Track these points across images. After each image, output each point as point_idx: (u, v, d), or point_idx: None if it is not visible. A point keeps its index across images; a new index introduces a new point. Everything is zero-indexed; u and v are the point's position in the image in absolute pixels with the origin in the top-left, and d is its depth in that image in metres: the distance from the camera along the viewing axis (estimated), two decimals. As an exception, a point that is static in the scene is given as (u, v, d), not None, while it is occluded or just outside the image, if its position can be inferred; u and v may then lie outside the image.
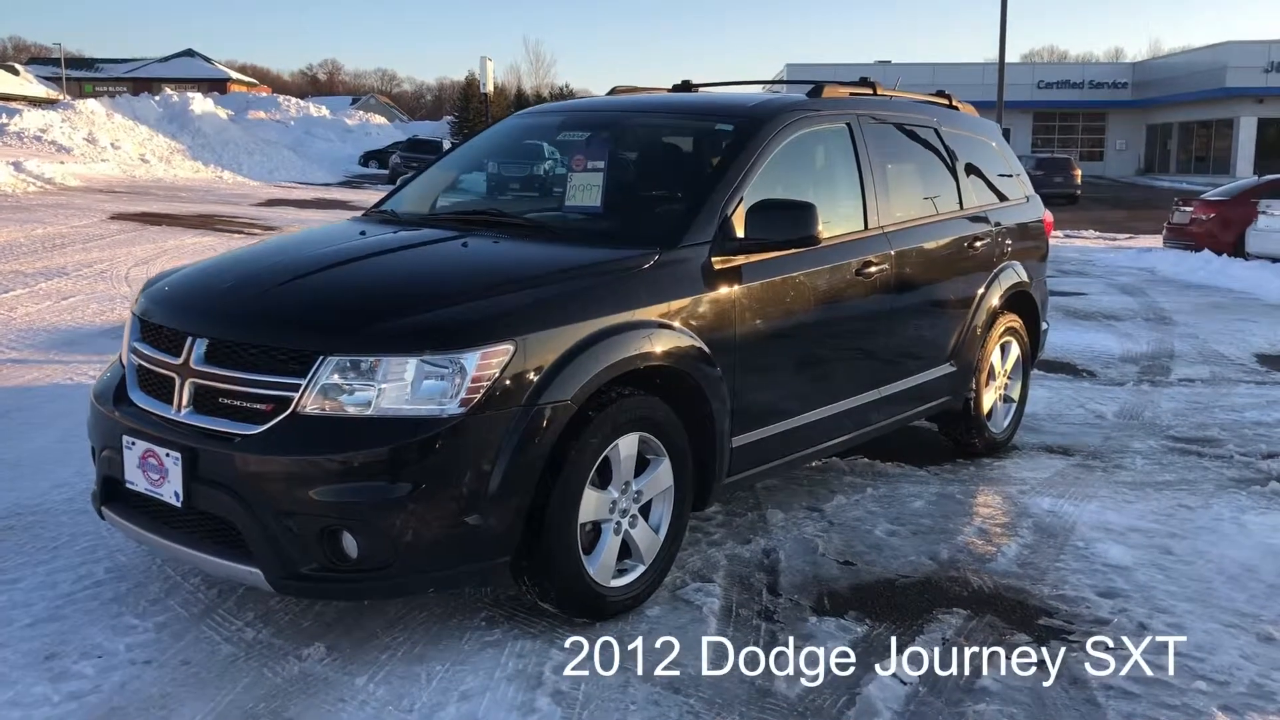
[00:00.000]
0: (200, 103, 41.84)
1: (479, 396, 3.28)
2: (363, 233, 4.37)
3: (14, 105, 37.09)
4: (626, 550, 3.83)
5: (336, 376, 3.28)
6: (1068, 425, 6.71)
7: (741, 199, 4.20)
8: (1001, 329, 5.89)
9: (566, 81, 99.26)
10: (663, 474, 3.89)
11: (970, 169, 5.81)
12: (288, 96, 70.06)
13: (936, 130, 5.62)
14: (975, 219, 5.69)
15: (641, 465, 3.85)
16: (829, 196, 4.90)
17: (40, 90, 58.61)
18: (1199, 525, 4.88)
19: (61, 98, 49.08)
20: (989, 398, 5.93)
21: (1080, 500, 5.19)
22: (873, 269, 4.77)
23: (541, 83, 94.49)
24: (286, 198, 27.69)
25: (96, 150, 32.09)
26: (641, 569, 3.87)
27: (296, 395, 3.28)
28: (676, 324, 3.83)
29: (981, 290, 5.69)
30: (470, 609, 3.83)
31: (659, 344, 3.74)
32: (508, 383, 3.33)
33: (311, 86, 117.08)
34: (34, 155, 27.68)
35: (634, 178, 4.83)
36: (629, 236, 4.16)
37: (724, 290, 4.03)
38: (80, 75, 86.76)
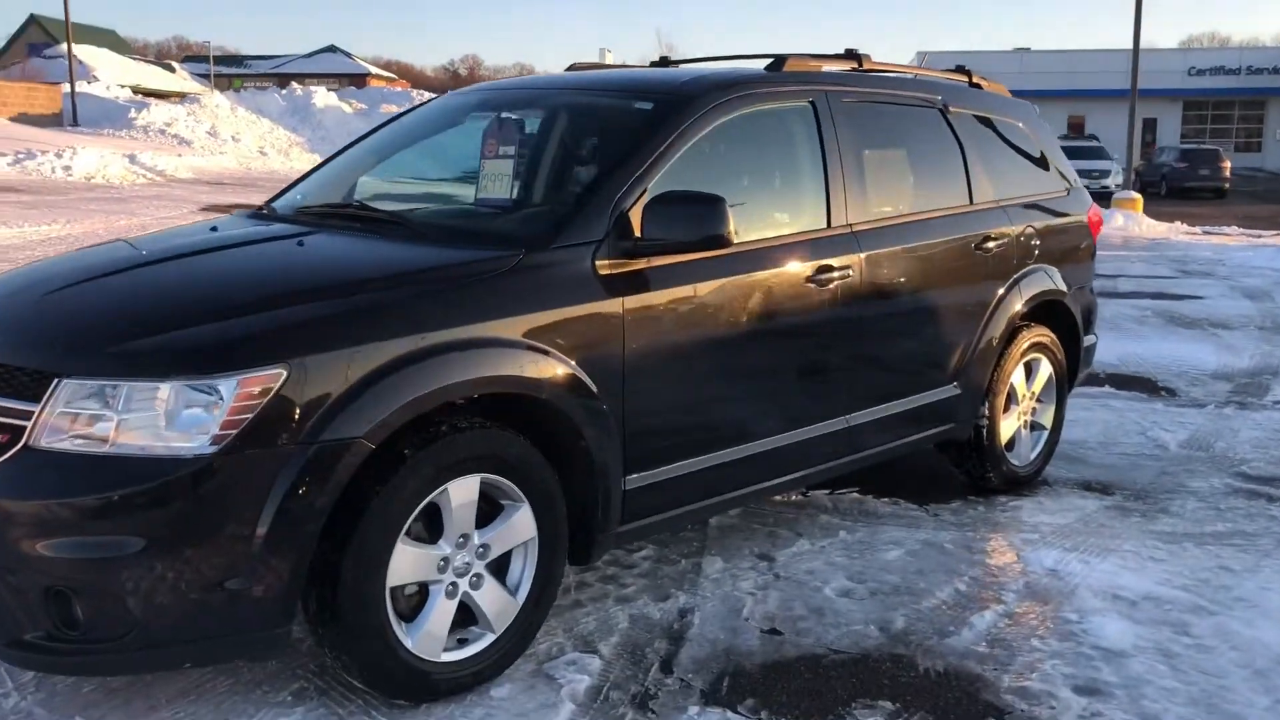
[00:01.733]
0: (322, 96, 42.52)
1: (237, 432, 2.66)
2: (214, 229, 3.81)
3: (153, 100, 38.24)
4: (472, 616, 3.18)
5: (74, 404, 2.70)
6: (1118, 456, 5.75)
7: (645, 191, 3.49)
8: (1026, 344, 5.00)
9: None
10: (520, 523, 3.21)
11: (986, 156, 4.94)
12: (421, 90, 71.08)
13: (942, 111, 4.77)
14: (989, 215, 4.82)
15: (495, 511, 3.18)
16: (777, 189, 4.15)
17: (192, 86, 60.74)
18: (1236, 596, 3.96)
19: (209, 93, 50.63)
20: (1009, 425, 5.06)
21: (1096, 555, 4.30)
22: (833, 275, 3.98)
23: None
24: (392, 190, 27.73)
25: (217, 143, 32.80)
26: (490, 638, 3.20)
27: (29, 425, 2.72)
28: (539, 342, 3.15)
29: (997, 299, 4.82)
30: (287, 677, 3.22)
31: (506, 367, 3.07)
32: (277, 415, 2.70)
33: (452, 81, 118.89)
34: (154, 148, 28.37)
35: (545, 166, 4.14)
36: (497, 235, 3.49)
37: (614, 300, 3.32)
38: (230, 71, 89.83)
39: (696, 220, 3.36)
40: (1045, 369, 5.21)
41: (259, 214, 3.99)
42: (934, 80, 4.93)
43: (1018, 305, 4.90)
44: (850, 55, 4.61)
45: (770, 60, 4.26)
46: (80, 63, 46.78)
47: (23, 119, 30.99)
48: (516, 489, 3.17)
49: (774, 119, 4.11)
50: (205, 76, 78.19)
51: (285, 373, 2.71)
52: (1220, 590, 4.00)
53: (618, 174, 3.51)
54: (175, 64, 78.62)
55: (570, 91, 4.35)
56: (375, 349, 2.84)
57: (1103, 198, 25.51)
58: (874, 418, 4.32)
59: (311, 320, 2.85)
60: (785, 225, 3.99)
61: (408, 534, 2.97)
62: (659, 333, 3.46)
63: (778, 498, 4.87)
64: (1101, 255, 16.89)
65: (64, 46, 52.48)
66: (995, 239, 4.79)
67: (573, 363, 3.21)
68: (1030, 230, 5.01)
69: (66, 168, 21.51)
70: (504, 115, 4.17)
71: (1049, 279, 5.13)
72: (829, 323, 4.03)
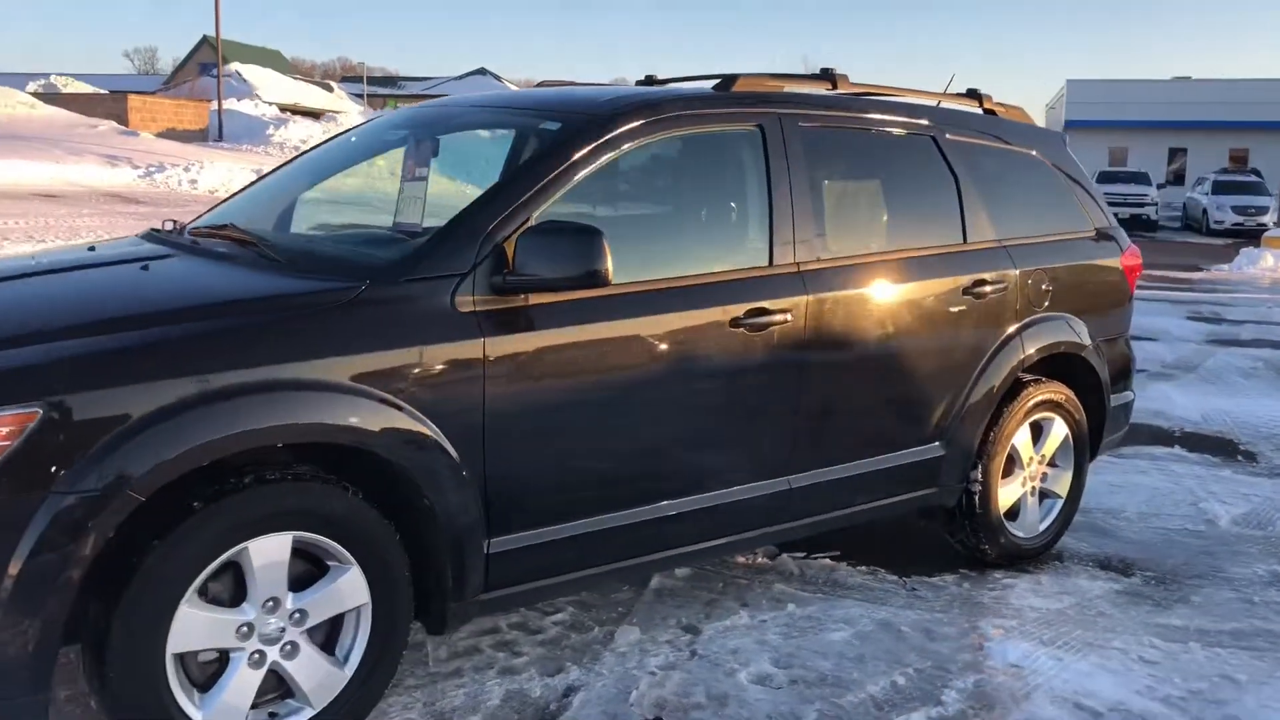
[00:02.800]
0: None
1: None
2: (92, 248, 3.60)
3: (295, 118, 39.51)
4: (289, 688, 2.85)
5: None
6: (1156, 530, 5.10)
7: (529, 221, 3.12)
8: (1032, 402, 4.44)
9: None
10: (348, 588, 2.88)
11: (989, 191, 4.41)
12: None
13: (934, 140, 4.26)
14: (986, 256, 4.29)
15: (321, 572, 2.86)
16: (704, 222, 3.73)
17: (347, 105, 62.82)
18: (1229, 714, 3.35)
19: (346, 112, 52.22)
20: (1009, 491, 4.50)
21: (1075, 651, 3.73)
22: (770, 318, 3.54)
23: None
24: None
25: (349, 160, 33.60)
26: (308, 713, 2.87)
27: None
28: (372, 386, 2.81)
29: (993, 349, 4.28)
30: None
31: (320, 414, 2.74)
32: (28, 458, 2.43)
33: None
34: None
35: (456, 189, 3.82)
36: (350, 265, 3.16)
37: (474, 342, 2.97)
38: (385, 92, 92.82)
39: (567, 254, 2.98)
40: (1059, 430, 4.63)
41: (152, 233, 3.77)
42: (927, 106, 4.43)
43: (1018, 357, 4.35)
44: (824, 76, 4.15)
45: (718, 79, 3.85)
46: (244, 81, 48.83)
47: (170, 134, 32.31)
48: (343, 550, 2.84)
49: (709, 144, 3.71)
50: (361, 96, 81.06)
51: (40, 412, 2.44)
52: (1210, 706, 3.40)
53: (497, 200, 3.16)
54: (334, 84, 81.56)
55: (488, 111, 4.02)
56: (156, 388, 2.55)
57: (1256, 236, 23.92)
58: (826, 479, 3.84)
59: (84, 355, 2.57)
60: (710, 263, 3.57)
61: (202, 594, 2.67)
62: (533, 380, 3.09)
63: (740, 559, 4.42)
64: (1242, 298, 15.76)
65: (231, 66, 54.90)
66: (992, 283, 4.25)
67: (415, 411, 2.87)
68: (1041, 274, 4.45)
69: (193, 181, 22.23)
70: (420, 137, 3.87)
71: (1066, 329, 4.56)
72: (761, 372, 3.59)
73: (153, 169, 22.68)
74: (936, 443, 4.19)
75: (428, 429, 2.88)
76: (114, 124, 29.60)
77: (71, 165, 21.20)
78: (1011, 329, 4.34)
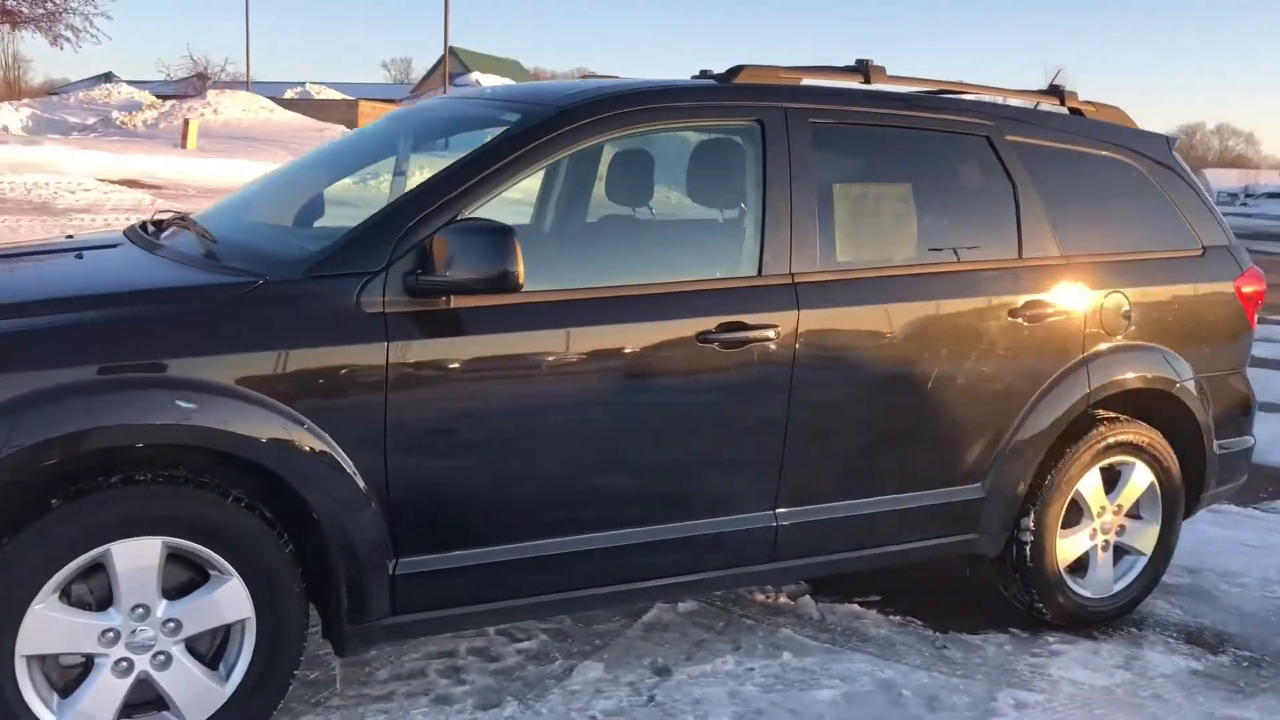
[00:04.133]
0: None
1: None
2: (69, 236, 3.61)
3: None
4: (162, 701, 2.72)
5: None
6: (1276, 602, 4.38)
7: (455, 218, 2.89)
8: (1104, 443, 3.87)
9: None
10: (227, 599, 2.72)
11: (1057, 200, 3.86)
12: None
13: (990, 141, 3.76)
14: (1044, 274, 3.75)
15: (202, 580, 2.72)
16: (681, 225, 3.41)
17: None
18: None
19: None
20: (1072, 544, 3.94)
21: (1099, 740, 3.19)
22: (748, 335, 3.18)
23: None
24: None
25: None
26: (182, 728, 2.73)
27: None
28: (256, 388, 2.65)
29: (1050, 381, 3.74)
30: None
31: (187, 414, 2.58)
32: None
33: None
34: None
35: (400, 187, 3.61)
36: (262, 258, 2.99)
37: (377, 345, 2.76)
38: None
39: (476, 255, 2.74)
40: (1141, 478, 4.02)
41: (136, 225, 3.74)
42: (987, 103, 3.92)
43: (1085, 392, 3.79)
44: (857, 68, 3.73)
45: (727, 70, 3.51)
46: (480, 87, 50.88)
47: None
48: (221, 559, 2.69)
49: (699, 140, 3.37)
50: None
51: None
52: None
53: (425, 195, 2.94)
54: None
55: (473, 105, 3.80)
56: (9, 379, 2.46)
57: None
58: (824, 518, 3.44)
59: None
60: (683, 270, 3.24)
61: (65, 595, 2.57)
62: (446, 392, 2.85)
63: (760, 595, 4.05)
64: None
65: (471, 75, 57.22)
66: (1051, 305, 3.72)
67: (303, 418, 2.68)
68: (1120, 297, 3.87)
69: (400, 182, 23.12)
70: (406, 135, 3.71)
71: (1150, 361, 3.95)
72: (737, 395, 3.23)
73: (368, 175, 23.68)
74: (976, 484, 3.70)
75: (316, 438, 2.69)
76: (342, 127, 31.20)
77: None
78: (1076, 359, 3.79)
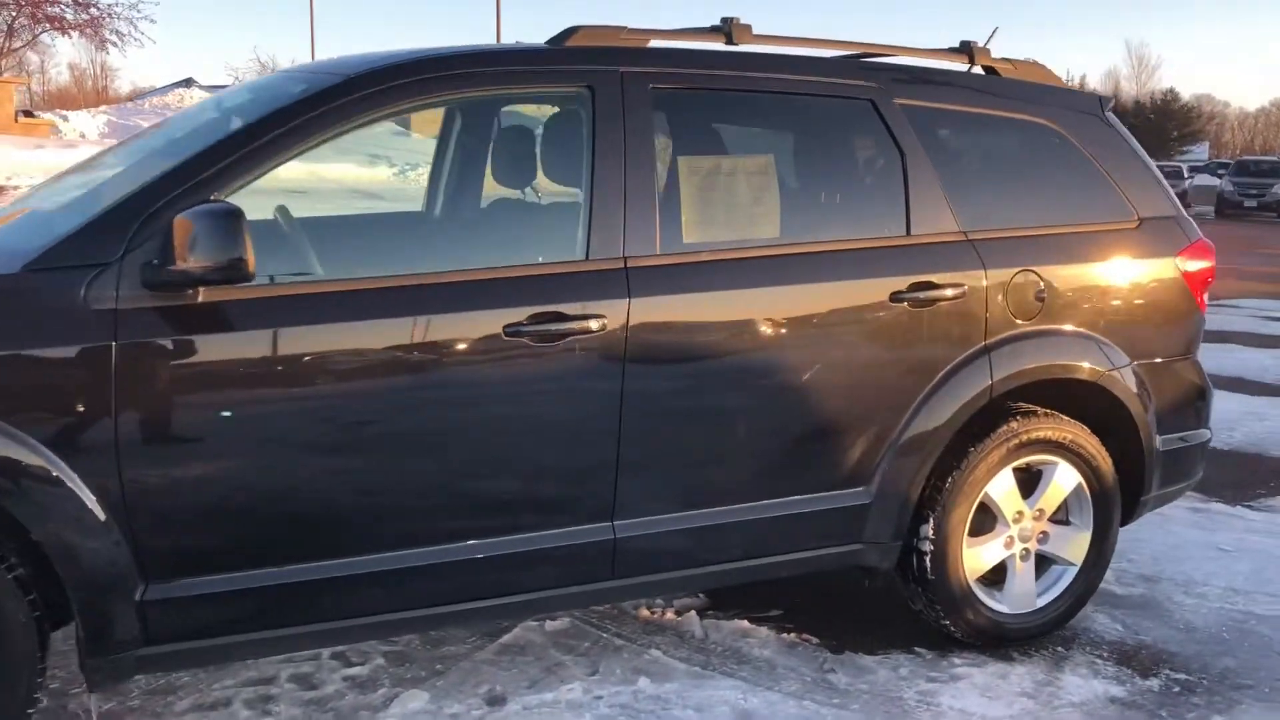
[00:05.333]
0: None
1: None
2: None
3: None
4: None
5: None
6: (1233, 616, 3.90)
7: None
8: (1018, 440, 3.45)
9: (1170, 85, 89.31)
10: (-50, 627, 2.45)
11: (955, 170, 3.45)
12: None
13: (874, 104, 3.36)
14: (936, 253, 3.34)
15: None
16: (486, 205, 3.07)
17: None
18: None
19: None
20: (983, 553, 3.52)
21: (967, 784, 2.79)
22: (567, 326, 2.83)
23: (1143, 89, 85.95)
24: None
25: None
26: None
27: None
28: None
29: (946, 372, 3.34)
30: None
31: None
32: None
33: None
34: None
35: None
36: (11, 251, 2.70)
37: (104, 345, 2.46)
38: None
39: (203, 241, 2.42)
40: (1066, 478, 3.58)
41: None
42: (871, 62, 3.51)
43: (987, 383, 3.37)
44: (720, 29, 3.34)
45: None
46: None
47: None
48: (-79, 583, 2.42)
49: (518, 110, 3.02)
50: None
51: None
52: None
53: (175, 175, 2.63)
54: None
55: (275, 78, 3.48)
56: None
57: None
58: (672, 529, 3.08)
59: None
60: (491, 256, 2.91)
61: None
62: (192, 399, 2.56)
63: (645, 611, 3.70)
64: None
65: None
66: (945, 286, 3.30)
67: (15, 429, 2.40)
68: (1031, 277, 3.44)
69: (441, 177, 23.01)
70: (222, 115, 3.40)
71: (1068, 348, 3.52)
72: (554, 394, 2.89)
73: (407, 167, 23.65)
74: (859, 488, 3.31)
75: (31, 452, 2.41)
76: (393, 125, 31.25)
77: (333, 163, 22.41)
78: (976, 347, 3.37)
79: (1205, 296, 3.83)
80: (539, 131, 3.20)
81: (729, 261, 3.10)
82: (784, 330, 3.14)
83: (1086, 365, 3.53)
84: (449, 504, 2.85)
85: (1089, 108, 3.77)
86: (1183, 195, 35.23)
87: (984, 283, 3.37)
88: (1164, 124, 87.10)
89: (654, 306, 2.95)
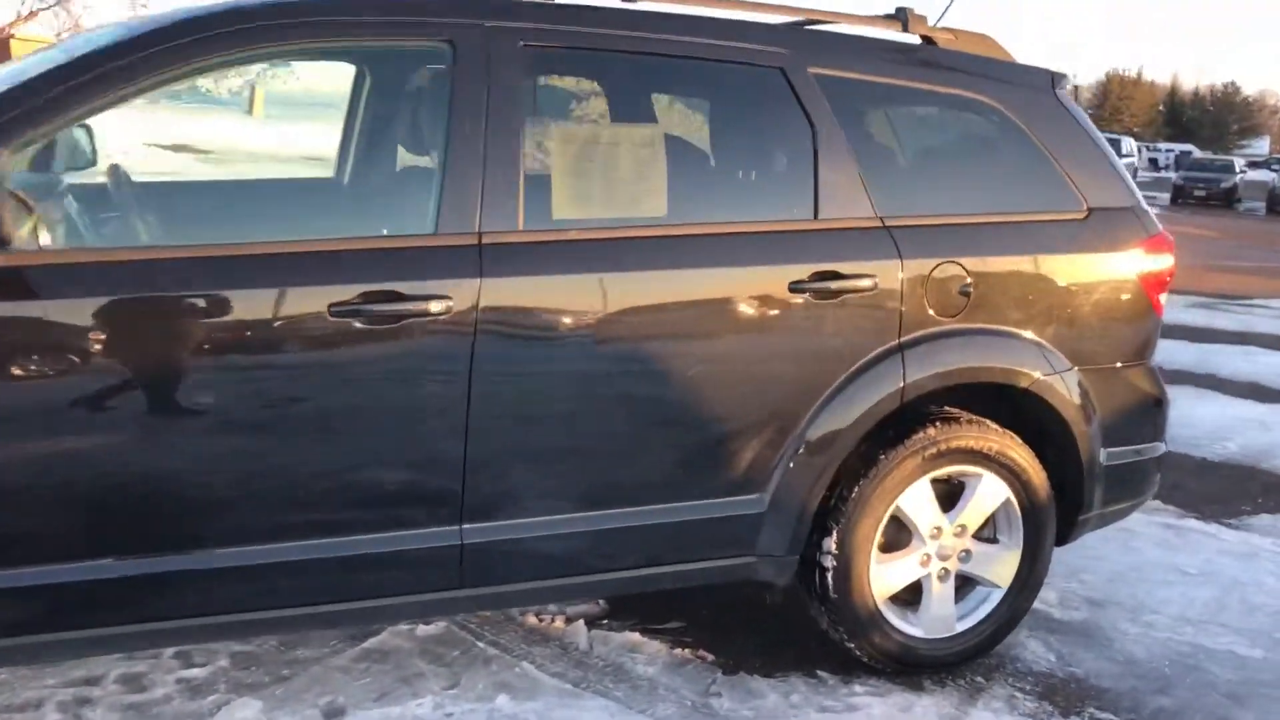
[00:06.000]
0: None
1: None
2: None
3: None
4: None
5: None
6: (1179, 648, 3.55)
7: (-6, 154, 2.33)
8: (931, 451, 3.13)
9: (1232, 79, 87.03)
10: None
11: (878, 149, 3.13)
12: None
13: (783, 72, 3.03)
14: (849, 241, 3.02)
15: None
16: (328, 173, 2.76)
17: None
18: None
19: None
20: (894, 571, 3.21)
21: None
22: (405, 307, 2.55)
23: (1203, 81, 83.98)
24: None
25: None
26: None
27: None
28: None
29: (852, 371, 3.02)
30: None
31: None
32: None
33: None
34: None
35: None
36: None
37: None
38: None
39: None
40: (993, 493, 3.25)
41: None
42: (785, 26, 3.17)
43: (898, 385, 3.05)
44: (604, -19, 3.03)
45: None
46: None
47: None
48: None
49: (366, 67, 2.77)
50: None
51: None
52: None
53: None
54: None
55: (107, 28, 3.19)
56: None
57: None
58: (530, 535, 2.79)
59: None
60: (326, 227, 2.63)
61: None
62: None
63: (533, 618, 3.43)
64: None
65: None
66: (852, 276, 2.98)
67: None
68: (955, 269, 3.11)
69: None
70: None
71: (998, 349, 3.19)
72: (396, 381, 2.60)
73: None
74: (752, 496, 3.00)
75: None
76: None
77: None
78: (888, 345, 3.05)
79: (1163, 296, 3.47)
80: (407, 90, 2.91)
81: (605, 242, 2.80)
82: (665, 320, 2.84)
83: (1017, 369, 3.20)
84: (269, 500, 2.58)
85: (1038, 84, 3.41)
86: (1233, 189, 34.24)
87: (899, 274, 3.04)
88: (1224, 117, 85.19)
89: (511, 288, 2.66)
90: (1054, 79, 3.45)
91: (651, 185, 2.91)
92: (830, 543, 3.10)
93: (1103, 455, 3.39)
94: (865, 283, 2.99)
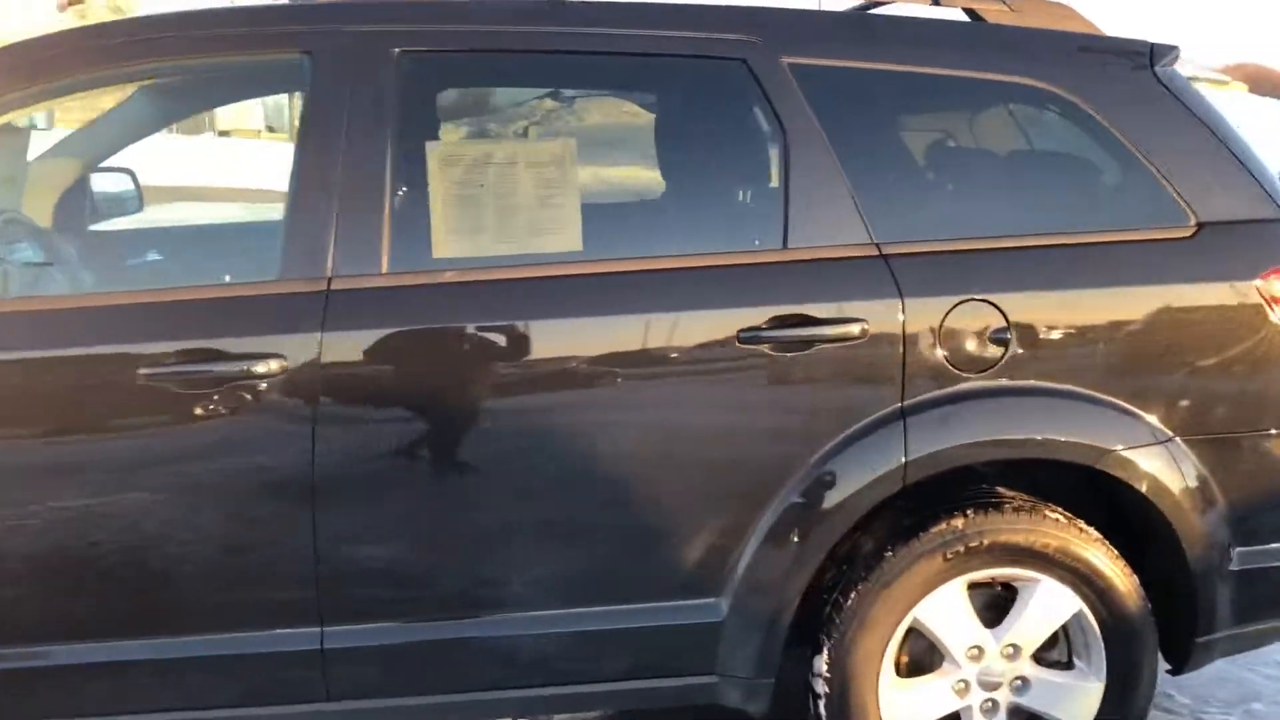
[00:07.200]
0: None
1: None
2: None
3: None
4: None
5: None
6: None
7: None
8: (964, 547, 2.38)
9: None
10: None
11: (879, 154, 2.43)
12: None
13: (747, 65, 2.40)
14: (827, 276, 2.34)
15: None
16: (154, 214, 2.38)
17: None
18: None
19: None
20: (919, 702, 2.47)
21: None
22: (227, 369, 2.15)
23: None
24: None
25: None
26: None
27: None
28: None
29: (832, 447, 2.33)
30: None
31: None
32: None
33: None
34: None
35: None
36: None
37: None
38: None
39: None
40: (1058, 604, 2.44)
41: None
42: (755, 9, 2.52)
43: (899, 462, 2.33)
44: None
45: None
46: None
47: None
48: None
49: (217, 86, 2.37)
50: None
51: None
52: None
53: None
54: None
55: None
56: None
57: None
58: (405, 641, 2.31)
59: None
60: (145, 278, 2.27)
61: None
62: None
63: None
64: None
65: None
66: (829, 322, 2.30)
67: None
68: (985, 310, 2.35)
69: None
70: None
71: (1051, 415, 2.40)
72: (222, 455, 2.20)
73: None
74: (703, 599, 2.38)
75: None
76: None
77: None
78: (887, 409, 2.34)
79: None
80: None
81: (498, 284, 2.29)
82: (576, 380, 2.29)
83: (1078, 441, 2.39)
84: (98, 587, 2.24)
85: (1129, 61, 2.58)
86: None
87: (899, 316, 2.33)
88: None
89: (362, 344, 2.20)
90: (1154, 53, 2.60)
91: (562, 214, 2.36)
92: (821, 662, 2.42)
93: (1235, 556, 2.50)
94: (850, 329, 2.31)
